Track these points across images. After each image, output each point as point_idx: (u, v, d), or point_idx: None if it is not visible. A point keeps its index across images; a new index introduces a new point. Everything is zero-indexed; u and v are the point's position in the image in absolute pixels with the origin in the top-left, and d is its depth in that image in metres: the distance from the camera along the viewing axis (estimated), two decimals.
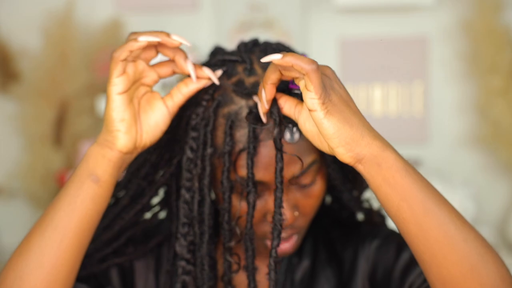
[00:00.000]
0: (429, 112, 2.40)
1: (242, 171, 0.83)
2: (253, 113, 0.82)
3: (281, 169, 0.80)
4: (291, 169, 0.83)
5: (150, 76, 0.83)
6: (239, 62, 0.86)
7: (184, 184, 0.86)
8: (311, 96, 0.73)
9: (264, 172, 0.82)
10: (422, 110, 2.40)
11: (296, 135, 0.82)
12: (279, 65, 0.75)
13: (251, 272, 0.85)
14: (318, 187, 0.87)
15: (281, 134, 0.79)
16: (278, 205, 0.80)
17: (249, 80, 0.84)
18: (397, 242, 0.92)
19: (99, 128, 2.50)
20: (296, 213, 0.86)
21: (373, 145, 0.74)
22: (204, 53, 2.38)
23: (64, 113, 2.40)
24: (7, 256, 2.31)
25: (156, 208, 0.96)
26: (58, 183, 2.31)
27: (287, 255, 0.91)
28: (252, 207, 0.82)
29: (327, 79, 0.76)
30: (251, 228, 0.83)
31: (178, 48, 0.81)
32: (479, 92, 2.33)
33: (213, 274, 0.88)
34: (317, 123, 0.74)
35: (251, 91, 0.83)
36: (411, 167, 0.75)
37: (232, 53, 0.88)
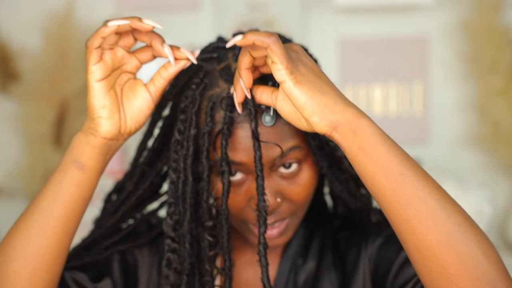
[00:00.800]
0: (429, 112, 2.41)
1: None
2: (229, 97, 0.84)
3: (260, 157, 0.81)
4: (270, 153, 0.84)
5: (131, 63, 0.84)
6: (230, 49, 0.87)
7: (171, 165, 0.88)
8: (278, 68, 0.73)
9: (242, 154, 0.83)
10: (422, 110, 2.40)
11: (273, 118, 0.83)
12: (243, 45, 0.76)
13: (226, 251, 0.85)
14: (304, 175, 0.87)
15: (256, 125, 0.81)
16: (261, 192, 0.81)
17: (235, 65, 0.86)
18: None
19: None
20: (279, 200, 0.86)
21: (348, 112, 0.74)
22: None
23: (64, 113, 2.40)
24: None
25: (164, 197, 0.97)
26: None
27: (276, 244, 0.91)
28: (227, 187, 0.83)
29: (294, 53, 0.77)
30: (226, 208, 0.84)
31: (154, 33, 0.82)
32: (479, 92, 2.33)
33: (193, 252, 0.88)
34: (289, 94, 0.74)
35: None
36: (386, 134, 0.75)
37: (225, 41, 0.90)
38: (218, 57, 0.88)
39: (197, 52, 0.85)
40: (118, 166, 2.28)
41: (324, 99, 0.74)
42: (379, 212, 0.99)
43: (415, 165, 0.74)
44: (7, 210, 2.63)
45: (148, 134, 0.97)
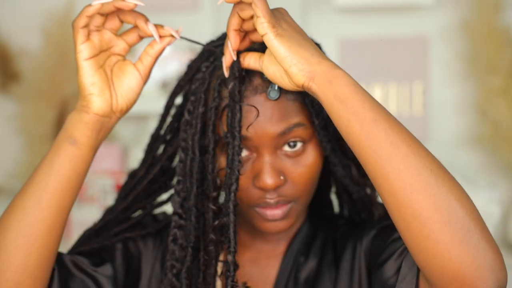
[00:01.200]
0: (429, 112, 2.41)
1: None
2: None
3: (239, 120, 0.84)
4: (275, 128, 0.86)
5: (119, 45, 0.88)
6: None
7: (181, 144, 0.92)
8: (260, 21, 0.78)
9: (247, 128, 0.86)
10: (422, 110, 2.40)
11: (277, 92, 0.86)
12: (232, 2, 0.80)
13: (229, 216, 0.86)
14: (308, 157, 0.89)
15: (237, 87, 0.84)
16: (237, 152, 0.85)
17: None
18: (393, 229, 0.92)
19: None
20: (282, 178, 0.88)
21: (324, 64, 0.79)
22: None
23: (64, 113, 2.40)
24: None
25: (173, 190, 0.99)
26: None
27: (279, 229, 0.92)
28: (231, 158, 0.85)
29: (279, 13, 0.83)
30: (230, 179, 0.86)
31: (138, 13, 0.86)
32: (479, 92, 2.33)
33: (198, 226, 0.91)
34: (269, 45, 0.79)
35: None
36: (359, 85, 0.79)
37: None
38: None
39: (181, 29, 0.89)
40: (118, 166, 2.28)
41: (301, 51, 0.79)
42: (382, 206, 1.00)
43: (388, 114, 0.79)
44: None
45: (161, 121, 0.99)
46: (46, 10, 2.40)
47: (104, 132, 0.88)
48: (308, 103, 0.88)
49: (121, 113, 0.88)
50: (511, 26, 2.30)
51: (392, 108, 2.40)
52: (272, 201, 0.89)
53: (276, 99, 0.86)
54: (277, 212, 0.89)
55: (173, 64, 2.22)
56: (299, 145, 0.88)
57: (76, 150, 0.85)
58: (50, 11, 2.39)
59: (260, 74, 0.87)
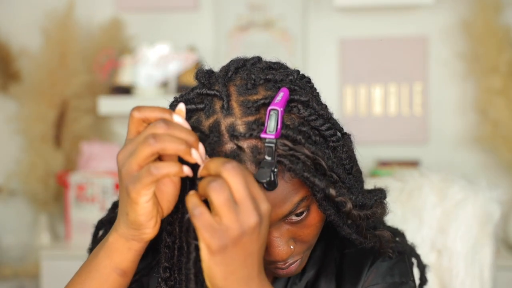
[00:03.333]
0: (429, 112, 2.41)
1: None
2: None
3: None
4: (283, 211, 0.82)
5: None
6: (217, 98, 0.82)
7: (165, 227, 0.84)
8: (203, 243, 0.71)
9: None
10: (422, 110, 2.40)
11: (273, 184, 0.79)
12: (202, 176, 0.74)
13: None
14: (313, 217, 0.86)
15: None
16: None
17: (225, 122, 0.81)
18: (399, 272, 0.94)
19: (99, 128, 2.51)
20: (292, 247, 0.86)
21: None
22: (203, 53, 2.38)
23: (64, 113, 2.40)
24: (7, 256, 2.31)
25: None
26: (58, 183, 2.30)
27: (293, 275, 0.92)
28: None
29: (238, 235, 0.72)
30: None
31: (178, 145, 0.76)
32: (479, 92, 2.34)
33: None
34: (202, 261, 0.73)
35: (233, 134, 0.80)
36: None
37: (211, 85, 0.85)
38: (204, 109, 0.83)
39: (182, 106, 0.79)
40: None
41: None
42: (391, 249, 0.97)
43: None
44: (7, 210, 2.64)
45: None
46: (46, 10, 2.40)
47: None
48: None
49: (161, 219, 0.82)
50: (511, 26, 2.30)
51: (392, 108, 2.40)
52: (285, 266, 0.88)
53: (275, 188, 0.79)
54: (289, 271, 0.89)
55: (173, 63, 2.22)
56: (304, 213, 0.85)
57: (124, 279, 0.82)
58: (50, 11, 2.39)
59: (252, 160, 0.79)
